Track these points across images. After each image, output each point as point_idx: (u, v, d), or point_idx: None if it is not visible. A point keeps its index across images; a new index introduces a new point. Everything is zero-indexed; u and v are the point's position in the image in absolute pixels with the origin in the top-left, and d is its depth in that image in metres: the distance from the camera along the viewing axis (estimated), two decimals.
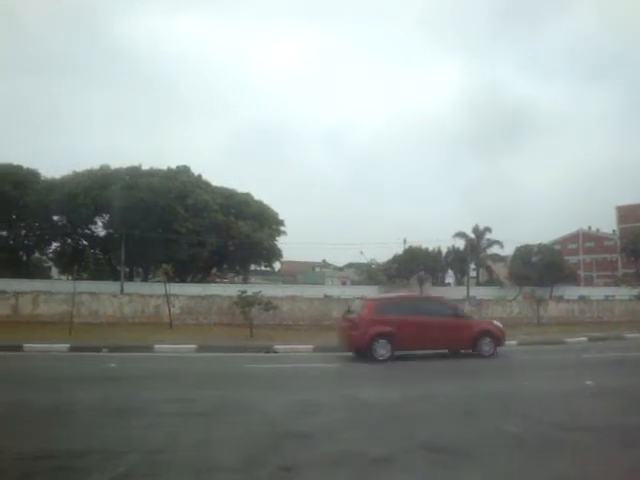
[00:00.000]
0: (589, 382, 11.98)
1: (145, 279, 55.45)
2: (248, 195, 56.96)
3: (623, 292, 53.11)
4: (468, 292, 55.41)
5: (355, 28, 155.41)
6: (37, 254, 57.52)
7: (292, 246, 75.27)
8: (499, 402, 10.01)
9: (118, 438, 7.19)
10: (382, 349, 15.72)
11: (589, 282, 77.31)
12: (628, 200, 79.30)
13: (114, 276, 50.76)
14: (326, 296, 44.04)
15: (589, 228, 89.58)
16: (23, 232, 53.00)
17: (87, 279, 49.74)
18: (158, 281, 44.09)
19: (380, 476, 5.88)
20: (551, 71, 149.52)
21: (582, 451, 6.85)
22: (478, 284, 65.96)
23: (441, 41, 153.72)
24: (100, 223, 52.48)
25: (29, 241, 53.81)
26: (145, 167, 50.98)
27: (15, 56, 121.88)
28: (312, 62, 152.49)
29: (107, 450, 6.55)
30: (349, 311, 18.73)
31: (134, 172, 49.61)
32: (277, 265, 68.17)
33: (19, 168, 49.93)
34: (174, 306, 30.33)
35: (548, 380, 12.77)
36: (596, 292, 58.95)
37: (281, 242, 58.03)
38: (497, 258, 68.29)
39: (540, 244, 64.63)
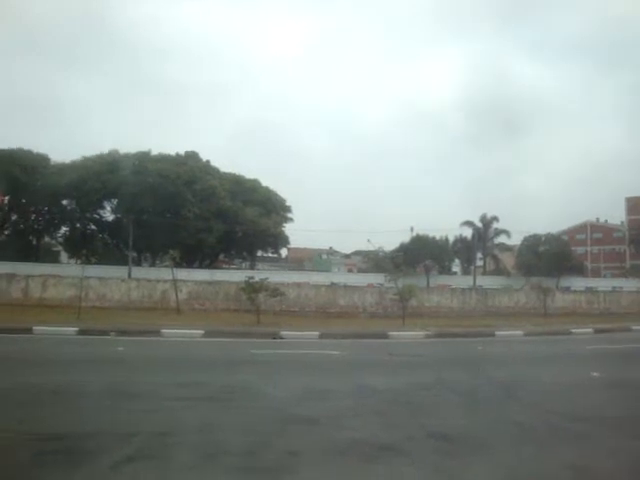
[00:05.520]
0: (595, 373, 12.02)
1: (153, 264, 55.62)
2: (256, 181, 56.90)
3: (631, 284, 52.89)
4: (475, 281, 55.28)
5: (358, 15, 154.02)
6: (47, 238, 57.74)
7: (299, 233, 75.25)
8: None
9: (126, 421, 7.29)
10: None
11: (596, 273, 76.88)
12: (638, 191, 78.55)
13: (122, 261, 50.89)
14: (332, 283, 44.11)
15: (597, 219, 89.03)
16: (33, 216, 53.19)
17: (95, 264, 49.93)
18: (166, 266, 44.29)
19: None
20: (562, 59, 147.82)
21: (587, 442, 6.91)
22: (485, 273, 65.69)
23: (446, 28, 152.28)
24: (109, 208, 52.60)
25: (39, 225, 53.98)
26: (154, 152, 50.98)
27: (24, 42, 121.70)
28: (317, 50, 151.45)
29: (115, 432, 6.65)
30: None
31: (143, 157, 49.55)
32: (284, 252, 68.32)
33: (29, 153, 49.93)
34: (181, 291, 30.51)
35: None
36: (603, 283, 58.68)
37: (288, 229, 58.10)
38: (504, 248, 67.84)
39: (548, 234, 64.23)
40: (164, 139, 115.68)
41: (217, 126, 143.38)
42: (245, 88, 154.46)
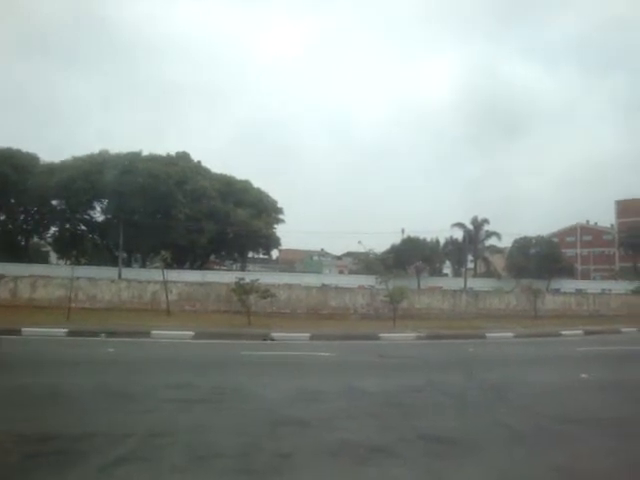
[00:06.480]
0: (584, 375, 12.08)
1: (143, 265, 55.36)
2: (247, 182, 56.84)
3: (620, 286, 53.32)
4: (465, 283, 55.49)
5: (358, 15, 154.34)
6: (36, 239, 57.35)
7: (291, 234, 75.26)
8: None
9: (118, 422, 7.24)
10: None
11: (586, 275, 77.36)
12: (628, 194, 79.11)
13: (112, 262, 50.65)
14: (323, 285, 44.11)
15: (587, 222, 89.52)
16: (22, 216, 52.83)
17: (85, 264, 49.63)
18: (156, 267, 44.09)
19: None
20: (553, 62, 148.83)
21: (577, 443, 6.93)
22: (475, 275, 65.94)
23: (443, 30, 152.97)
24: (99, 208, 52.28)
25: (28, 225, 53.63)
26: (145, 153, 50.77)
27: (16, 41, 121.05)
28: (316, 50, 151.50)
29: (107, 434, 6.61)
30: None
31: (134, 157, 49.26)
32: (275, 253, 68.25)
33: (18, 152, 49.61)
34: (172, 292, 30.41)
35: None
36: (593, 285, 59.14)
37: (280, 230, 58.07)
38: (495, 250, 68.12)
39: (538, 236, 64.56)
40: (159, 139, 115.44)
41: (212, 127, 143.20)
42: (242, 88, 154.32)
